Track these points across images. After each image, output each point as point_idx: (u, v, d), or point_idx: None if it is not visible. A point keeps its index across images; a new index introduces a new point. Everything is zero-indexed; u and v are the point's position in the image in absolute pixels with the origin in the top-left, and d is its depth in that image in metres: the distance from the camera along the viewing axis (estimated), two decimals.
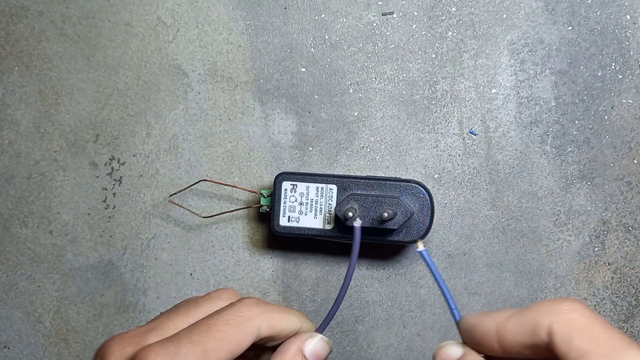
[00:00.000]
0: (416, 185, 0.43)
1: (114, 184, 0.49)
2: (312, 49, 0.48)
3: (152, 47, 0.48)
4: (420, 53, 0.47)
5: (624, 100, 0.47)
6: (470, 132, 0.47)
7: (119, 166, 0.49)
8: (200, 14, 0.48)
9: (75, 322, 0.49)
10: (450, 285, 0.48)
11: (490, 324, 0.32)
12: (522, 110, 0.47)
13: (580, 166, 0.47)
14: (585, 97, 0.47)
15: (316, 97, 0.48)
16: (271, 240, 0.48)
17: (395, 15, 0.47)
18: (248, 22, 0.48)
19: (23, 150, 0.49)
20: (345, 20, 0.47)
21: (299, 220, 0.44)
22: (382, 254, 0.48)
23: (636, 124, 0.47)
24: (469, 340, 0.33)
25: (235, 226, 0.48)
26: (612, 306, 0.48)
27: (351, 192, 0.43)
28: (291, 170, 0.47)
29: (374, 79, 0.48)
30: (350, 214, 0.41)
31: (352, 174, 0.47)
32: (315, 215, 0.44)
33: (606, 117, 0.47)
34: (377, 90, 0.47)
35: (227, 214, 0.48)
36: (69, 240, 0.49)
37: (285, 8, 0.48)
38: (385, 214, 0.40)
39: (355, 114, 0.48)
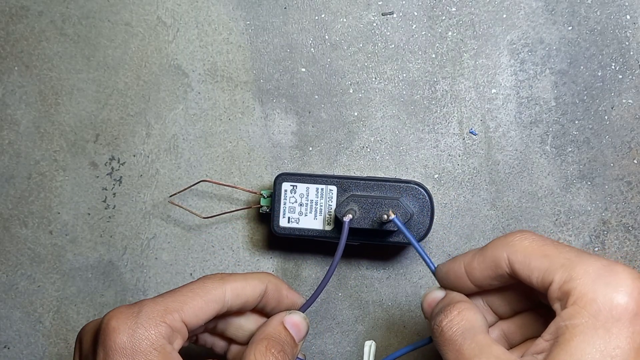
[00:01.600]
0: (416, 187, 0.43)
1: (114, 184, 0.49)
2: (312, 49, 0.48)
3: (152, 47, 0.48)
4: (420, 53, 0.47)
5: (624, 100, 0.47)
6: (470, 132, 0.47)
7: (119, 166, 0.49)
8: (200, 14, 0.48)
9: (75, 322, 0.49)
10: None
11: (459, 267, 0.36)
12: (522, 110, 0.47)
13: (580, 166, 0.47)
14: (585, 97, 0.47)
15: (316, 97, 0.48)
16: (271, 241, 0.48)
17: (395, 15, 0.47)
18: (248, 22, 0.48)
19: (23, 150, 0.49)
20: (345, 20, 0.47)
21: (298, 221, 0.44)
22: (382, 254, 0.48)
23: (636, 124, 0.47)
24: (446, 285, 0.37)
25: (235, 226, 0.48)
26: None
27: (351, 193, 0.43)
28: (291, 171, 0.47)
29: (374, 79, 0.48)
30: (350, 215, 0.41)
31: (352, 174, 0.47)
32: (315, 216, 0.44)
33: (606, 117, 0.47)
34: (377, 90, 0.47)
35: (227, 214, 0.48)
36: (69, 240, 0.49)
37: (285, 8, 0.48)
38: (385, 216, 0.40)
39: (355, 114, 0.48)
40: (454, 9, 0.47)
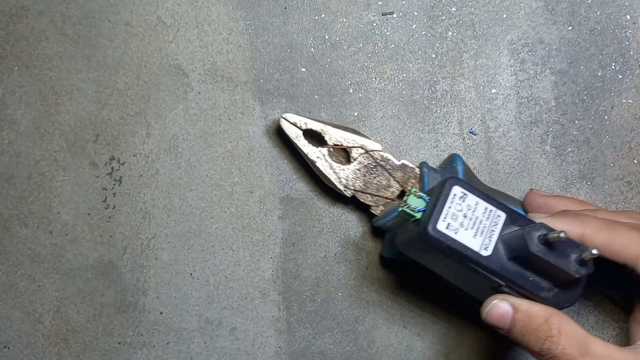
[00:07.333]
0: None
1: (114, 184, 0.49)
2: (312, 49, 0.48)
3: (152, 47, 0.48)
4: (420, 53, 0.47)
5: (624, 100, 0.47)
6: (470, 132, 0.47)
7: (119, 166, 0.49)
8: (200, 14, 0.48)
9: (75, 322, 0.49)
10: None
11: (577, 231, 0.36)
12: (522, 110, 0.47)
13: (580, 166, 0.47)
14: (585, 97, 0.47)
15: (316, 97, 0.48)
16: (268, 240, 0.48)
17: (395, 15, 0.47)
18: (248, 22, 0.48)
19: (23, 150, 0.49)
20: (345, 20, 0.47)
21: (457, 231, 0.38)
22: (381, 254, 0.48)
23: (636, 124, 0.47)
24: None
25: (235, 226, 0.48)
26: (612, 306, 0.48)
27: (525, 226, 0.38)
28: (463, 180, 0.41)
29: (374, 79, 0.48)
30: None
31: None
32: (475, 234, 0.38)
33: (606, 117, 0.47)
34: (377, 90, 0.47)
35: (373, 197, 0.47)
36: (69, 240, 0.49)
37: (285, 8, 0.48)
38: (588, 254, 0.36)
39: (355, 114, 0.48)
40: (454, 9, 0.47)
